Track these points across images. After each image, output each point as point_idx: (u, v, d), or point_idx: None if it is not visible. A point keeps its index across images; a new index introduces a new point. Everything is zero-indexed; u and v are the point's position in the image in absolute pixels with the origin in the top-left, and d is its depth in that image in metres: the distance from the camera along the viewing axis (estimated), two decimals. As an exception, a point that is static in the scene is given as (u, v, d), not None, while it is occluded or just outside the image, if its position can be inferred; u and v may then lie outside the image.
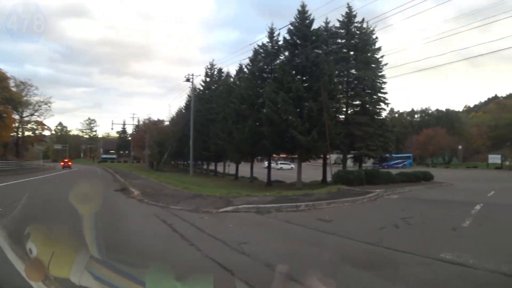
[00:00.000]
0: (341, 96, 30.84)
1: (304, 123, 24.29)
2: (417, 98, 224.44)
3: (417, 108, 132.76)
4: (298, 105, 25.39)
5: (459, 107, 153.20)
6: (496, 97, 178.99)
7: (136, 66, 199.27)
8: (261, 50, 32.38)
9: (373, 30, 32.86)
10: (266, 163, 65.35)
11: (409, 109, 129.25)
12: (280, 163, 73.17)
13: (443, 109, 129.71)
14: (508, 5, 51.82)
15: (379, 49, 32.83)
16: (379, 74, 32.73)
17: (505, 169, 69.48)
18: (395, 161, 78.69)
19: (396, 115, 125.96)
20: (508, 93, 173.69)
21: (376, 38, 32.80)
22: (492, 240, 8.88)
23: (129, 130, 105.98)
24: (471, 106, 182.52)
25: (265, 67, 32.06)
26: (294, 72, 26.61)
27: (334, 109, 25.72)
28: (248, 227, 10.46)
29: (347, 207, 14.54)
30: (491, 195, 21.22)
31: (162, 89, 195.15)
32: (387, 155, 38.82)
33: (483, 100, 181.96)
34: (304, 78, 26.86)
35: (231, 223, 10.98)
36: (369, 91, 31.88)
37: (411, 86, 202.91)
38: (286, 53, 29.35)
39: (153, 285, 1.96)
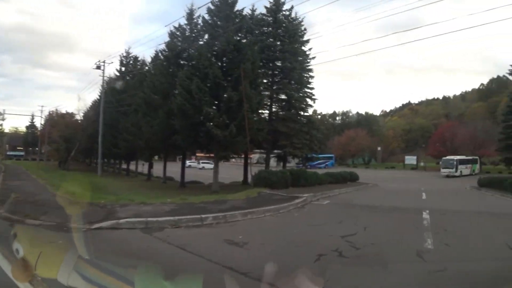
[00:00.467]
0: (265, 88, 27.79)
1: (222, 116, 20.70)
2: (339, 101, 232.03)
3: (338, 110, 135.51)
4: (216, 95, 21.69)
5: (376, 112, 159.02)
6: (409, 103, 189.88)
7: (55, 57, 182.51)
8: (178, 33, 28.23)
9: (302, 20, 30.23)
10: (188, 162, 60.59)
11: (331, 111, 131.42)
12: (203, 162, 69.20)
13: (363, 112, 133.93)
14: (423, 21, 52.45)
15: (307, 41, 30.23)
16: (307, 67, 30.22)
17: (420, 170, 71.58)
18: (318, 161, 78.02)
19: (319, 116, 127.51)
20: (420, 100, 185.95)
21: (305, 29, 30.22)
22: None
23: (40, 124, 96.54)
24: (387, 111, 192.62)
25: (182, 52, 27.92)
26: (213, 57, 22.85)
27: (256, 102, 22.23)
28: (116, 258, 6.59)
29: (268, 219, 11.02)
30: (426, 199, 19.22)
31: (83, 83, 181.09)
32: (313, 154, 36.32)
33: (398, 106, 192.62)
34: (224, 64, 23.21)
35: (91, 252, 7.05)
36: (296, 84, 29.16)
37: (333, 89, 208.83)
38: (206, 36, 25.54)
39: (142, 285, 1.95)
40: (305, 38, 30.10)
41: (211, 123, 20.36)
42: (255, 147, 27.03)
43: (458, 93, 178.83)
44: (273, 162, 31.85)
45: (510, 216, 12.54)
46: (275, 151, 30.43)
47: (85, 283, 2.02)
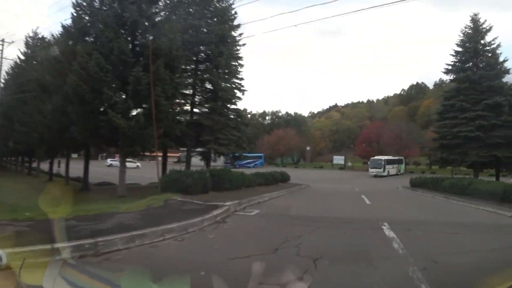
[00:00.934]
0: (188, 75, 23.80)
1: (127, 101, 16.39)
2: (269, 101, 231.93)
3: (268, 110, 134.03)
4: (122, 76, 17.11)
5: (305, 113, 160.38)
6: (336, 105, 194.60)
7: None
8: (85, 4, 23.11)
9: (233, 3, 26.47)
10: (109, 161, 54.58)
11: (261, 111, 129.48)
12: (112, 160, 62.51)
13: (292, 112, 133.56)
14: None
15: (238, 26, 26.55)
16: (236, 54, 26.58)
17: (348, 169, 71.22)
18: (248, 161, 75.14)
19: (249, 115, 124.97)
20: (346, 103, 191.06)
21: (236, 13, 26.50)
22: None
23: None
24: (315, 112, 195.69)
25: (89, 27, 22.84)
26: (121, 29, 18.30)
27: (172, 86, 17.94)
28: None
29: (166, 247, 7.03)
30: (371, 204, 16.47)
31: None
32: (243, 153, 32.76)
33: (325, 108, 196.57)
34: (137, 42, 18.67)
35: None
36: (223, 73, 25.41)
37: (263, 89, 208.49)
38: (115, 5, 20.76)
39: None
40: (240, 29, 26.54)
41: (113, 110, 15.89)
42: (174, 143, 22.87)
43: (381, 97, 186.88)
44: (199, 161, 27.91)
45: (492, 229, 9.73)
46: (195, 149, 26.60)
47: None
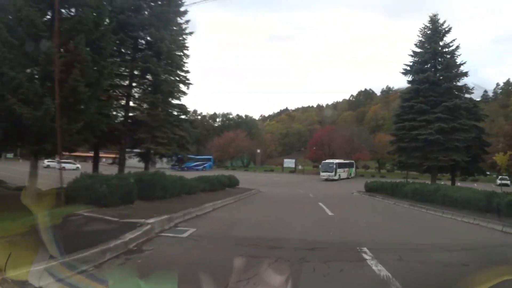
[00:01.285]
0: (122, 60, 20.35)
1: (33, 85, 12.77)
2: (220, 103, 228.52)
3: (219, 112, 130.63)
4: (32, 54, 13.63)
5: (256, 116, 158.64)
6: (287, 109, 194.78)
7: None
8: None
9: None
10: (46, 162, 49.84)
11: (211, 113, 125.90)
12: (48, 161, 56.56)
13: (243, 115, 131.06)
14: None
15: (184, 12, 23.34)
16: (182, 44, 23.40)
17: (298, 173, 69.62)
18: (196, 163, 71.67)
19: (199, 117, 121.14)
20: (296, 107, 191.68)
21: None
22: None
23: None
24: (266, 115, 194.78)
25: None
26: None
27: (97, 70, 14.52)
28: None
29: None
30: (334, 216, 13.87)
31: None
32: (188, 154, 29.54)
33: (276, 111, 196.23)
34: (51, 9, 15.02)
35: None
36: (165, 62, 22.17)
37: (214, 91, 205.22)
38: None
39: (116, 284, 1.99)
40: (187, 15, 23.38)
41: (15, 97, 12.32)
42: (105, 141, 19.43)
43: (330, 102, 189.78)
44: (140, 163, 24.43)
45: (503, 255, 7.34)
46: (137, 149, 23.26)
47: (58, 284, 1.90)
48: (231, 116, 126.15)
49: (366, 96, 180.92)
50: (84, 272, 4.16)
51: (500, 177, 45.50)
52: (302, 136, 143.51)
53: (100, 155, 25.89)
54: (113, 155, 25.40)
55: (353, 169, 60.57)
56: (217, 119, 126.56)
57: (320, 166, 56.21)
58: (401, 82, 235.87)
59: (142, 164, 23.90)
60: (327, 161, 55.06)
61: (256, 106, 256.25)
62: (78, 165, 55.36)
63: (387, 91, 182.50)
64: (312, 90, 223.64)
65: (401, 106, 30.32)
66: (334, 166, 52.47)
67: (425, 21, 31.39)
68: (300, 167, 72.23)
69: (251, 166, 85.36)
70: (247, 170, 76.64)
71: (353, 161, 61.02)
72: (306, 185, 41.71)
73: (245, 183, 32.45)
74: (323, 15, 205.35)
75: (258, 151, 77.78)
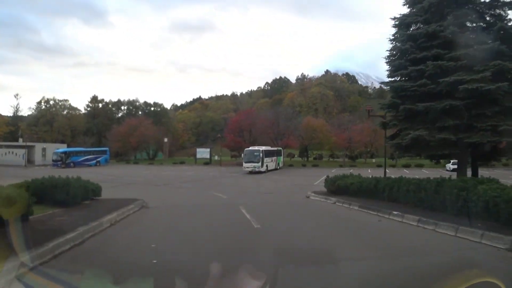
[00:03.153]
0: None
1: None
2: (125, 90, 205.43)
3: (124, 99, 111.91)
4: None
5: (167, 105, 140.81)
6: (200, 98, 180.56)
7: None
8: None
9: None
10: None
11: (115, 100, 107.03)
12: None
13: (151, 102, 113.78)
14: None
15: None
16: None
17: (215, 164, 56.54)
18: (86, 157, 55.15)
19: (100, 104, 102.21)
20: (210, 96, 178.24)
21: None
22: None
23: None
24: (178, 105, 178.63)
25: None
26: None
27: None
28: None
29: None
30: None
31: None
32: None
33: (189, 100, 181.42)
34: None
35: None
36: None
37: (118, 78, 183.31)
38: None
39: None
40: None
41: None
42: None
43: (245, 91, 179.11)
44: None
45: None
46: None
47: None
48: (138, 104, 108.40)
49: (281, 84, 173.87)
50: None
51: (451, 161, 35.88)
52: (217, 125, 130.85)
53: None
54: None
55: (281, 158, 48.83)
56: (122, 107, 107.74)
57: (242, 155, 43.09)
58: (315, 71, 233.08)
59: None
60: (251, 148, 42.38)
61: (167, 95, 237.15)
62: None
63: (302, 79, 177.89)
64: (226, 79, 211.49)
65: (397, 35, 17.13)
66: (260, 154, 40.01)
67: None
68: (216, 157, 59.04)
69: (159, 159, 70.06)
70: (152, 163, 61.49)
71: (280, 148, 49.17)
72: (226, 183, 28.81)
73: (141, 183, 24.00)
74: (236, 5, 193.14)
75: (166, 140, 62.95)
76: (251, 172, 39.75)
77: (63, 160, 51.82)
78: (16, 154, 57.15)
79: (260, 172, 39.55)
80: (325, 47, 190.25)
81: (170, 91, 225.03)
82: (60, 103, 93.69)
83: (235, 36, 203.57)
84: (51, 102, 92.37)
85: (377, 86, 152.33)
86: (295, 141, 56.05)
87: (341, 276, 5.79)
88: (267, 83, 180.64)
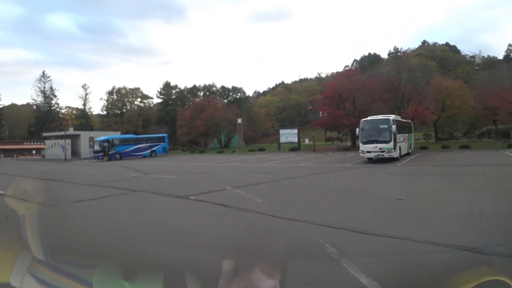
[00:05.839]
0: None
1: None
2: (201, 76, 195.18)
3: (199, 84, 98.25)
4: None
5: (249, 93, 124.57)
6: (282, 82, 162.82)
7: None
8: None
9: None
10: None
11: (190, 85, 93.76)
12: None
13: (229, 86, 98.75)
14: None
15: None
16: None
17: (305, 151, 38.70)
18: (137, 146, 40.53)
19: (174, 91, 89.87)
20: (293, 80, 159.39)
21: None
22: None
23: None
24: (260, 91, 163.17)
25: None
26: None
27: None
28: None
29: None
30: None
31: None
32: None
33: (271, 86, 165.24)
34: None
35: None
36: None
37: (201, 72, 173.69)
38: None
39: (100, 286, 1.75)
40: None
41: None
42: None
43: (330, 72, 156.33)
44: None
45: None
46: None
47: (40, 286, 1.70)
48: (214, 89, 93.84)
49: (371, 60, 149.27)
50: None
51: None
52: (303, 108, 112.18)
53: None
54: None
55: (412, 137, 29.10)
56: (198, 93, 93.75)
57: (359, 129, 23.17)
58: (409, 44, 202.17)
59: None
60: (373, 118, 23.23)
61: (248, 86, 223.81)
62: None
63: (395, 52, 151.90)
64: (309, 64, 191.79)
65: None
66: (392, 127, 20.94)
67: None
68: (307, 141, 41.01)
69: (232, 146, 53.75)
70: (222, 151, 45.27)
71: (410, 122, 29.25)
72: (349, 195, 10.44)
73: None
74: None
75: (239, 121, 46.09)
76: (375, 159, 21.28)
77: (106, 151, 37.67)
78: (60, 145, 44.99)
79: (391, 160, 20.77)
80: (415, 20, 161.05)
81: (251, 82, 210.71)
82: (131, 92, 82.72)
83: (315, 20, 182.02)
84: (122, 92, 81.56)
85: (486, 55, 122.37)
86: (426, 112, 35.02)
87: None
88: (355, 60, 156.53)
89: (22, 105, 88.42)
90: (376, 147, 21.06)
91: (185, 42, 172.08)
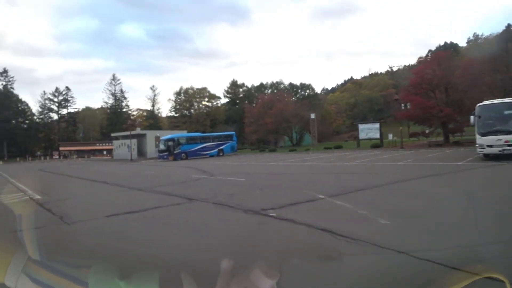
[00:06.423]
0: None
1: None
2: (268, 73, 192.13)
3: (267, 81, 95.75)
4: None
5: (317, 90, 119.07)
6: (352, 78, 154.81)
7: None
8: None
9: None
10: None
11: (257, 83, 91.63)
12: None
13: (298, 83, 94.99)
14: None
15: None
16: None
17: (388, 148, 33.66)
18: (203, 145, 38.32)
19: (241, 89, 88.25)
20: (362, 75, 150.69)
21: None
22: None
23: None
24: (329, 88, 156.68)
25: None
26: None
27: None
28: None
29: None
30: None
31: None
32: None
33: (339, 83, 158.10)
34: None
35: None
36: None
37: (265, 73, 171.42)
38: None
39: (96, 286, 1.66)
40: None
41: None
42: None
43: (402, 65, 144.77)
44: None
45: None
46: None
47: (35, 286, 1.61)
48: (282, 86, 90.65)
49: (448, 50, 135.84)
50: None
51: None
52: (376, 104, 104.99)
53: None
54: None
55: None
56: (266, 91, 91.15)
57: (474, 117, 17.66)
58: (491, 28, 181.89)
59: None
60: (494, 101, 17.85)
61: (315, 83, 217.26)
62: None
63: (475, 40, 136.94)
64: (376, 60, 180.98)
65: None
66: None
67: None
68: (390, 136, 35.81)
69: (304, 144, 49.76)
70: (294, 150, 41.55)
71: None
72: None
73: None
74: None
75: (313, 116, 42.03)
76: (489, 157, 16.32)
77: (171, 150, 35.91)
78: (127, 146, 44.46)
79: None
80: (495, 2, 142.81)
81: (317, 80, 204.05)
82: (198, 92, 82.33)
83: (382, 13, 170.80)
84: (190, 92, 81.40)
85: None
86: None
87: None
88: (430, 51, 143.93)
89: (97, 109, 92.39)
90: (500, 139, 16.02)
91: (250, 43, 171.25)
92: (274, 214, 6.54)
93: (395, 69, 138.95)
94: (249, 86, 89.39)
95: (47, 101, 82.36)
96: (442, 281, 2.29)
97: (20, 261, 1.74)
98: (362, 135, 38.19)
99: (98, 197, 11.19)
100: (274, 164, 22.12)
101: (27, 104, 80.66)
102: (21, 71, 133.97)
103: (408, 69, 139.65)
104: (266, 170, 18.49)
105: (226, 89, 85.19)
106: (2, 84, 76.00)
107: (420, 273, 3.50)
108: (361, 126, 39.35)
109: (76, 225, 6.71)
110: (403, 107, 34.31)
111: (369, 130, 37.79)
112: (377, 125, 37.58)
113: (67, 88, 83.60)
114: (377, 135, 36.92)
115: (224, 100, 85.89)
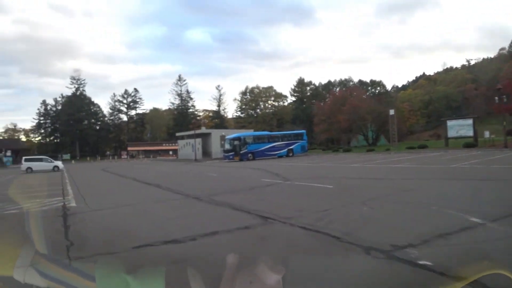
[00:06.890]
0: None
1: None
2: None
3: (335, 79, 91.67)
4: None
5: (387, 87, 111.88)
6: (424, 74, 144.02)
7: (60, 64, 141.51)
8: None
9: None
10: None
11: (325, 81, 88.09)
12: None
13: (368, 80, 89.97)
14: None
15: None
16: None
17: (484, 147, 28.81)
18: (271, 144, 36.07)
19: (308, 87, 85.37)
20: (435, 71, 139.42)
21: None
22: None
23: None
24: (399, 86, 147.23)
25: None
26: None
27: None
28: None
29: None
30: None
31: (89, 88, 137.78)
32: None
33: (411, 80, 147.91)
34: None
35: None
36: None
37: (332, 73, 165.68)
38: None
39: (103, 280, 1.65)
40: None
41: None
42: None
43: (480, 58, 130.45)
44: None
45: None
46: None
47: (43, 280, 1.61)
48: (351, 84, 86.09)
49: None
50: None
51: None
52: (453, 100, 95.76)
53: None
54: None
55: None
56: (335, 88, 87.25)
57: None
58: None
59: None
60: None
61: (386, 76, 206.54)
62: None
63: None
64: (449, 55, 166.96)
65: None
66: None
67: None
68: (487, 134, 30.86)
69: (380, 144, 45.53)
70: (371, 150, 37.73)
71: None
72: None
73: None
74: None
75: (392, 112, 37.92)
76: None
77: (237, 150, 34.03)
78: (192, 145, 43.53)
79: None
80: None
81: (386, 77, 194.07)
82: (264, 91, 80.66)
83: (453, 5, 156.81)
84: (255, 91, 79.96)
85: None
86: None
87: None
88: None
89: (164, 110, 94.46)
90: None
91: (315, 42, 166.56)
92: (427, 262, 3.63)
93: (472, 62, 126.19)
94: (316, 84, 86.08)
95: (116, 103, 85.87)
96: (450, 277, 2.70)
97: (28, 255, 1.75)
98: (451, 133, 33.46)
99: (140, 208, 8.65)
100: (358, 166, 19.06)
101: (99, 106, 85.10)
102: (97, 77, 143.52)
103: (486, 62, 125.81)
104: (353, 173, 15.36)
105: (293, 87, 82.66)
106: (74, 87, 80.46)
107: None
108: (450, 123, 34.51)
109: (84, 262, 4.23)
110: (505, 100, 29.19)
111: (460, 127, 32.98)
112: (470, 121, 32.69)
113: (135, 90, 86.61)
114: (470, 133, 32.08)
115: (290, 100, 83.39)
